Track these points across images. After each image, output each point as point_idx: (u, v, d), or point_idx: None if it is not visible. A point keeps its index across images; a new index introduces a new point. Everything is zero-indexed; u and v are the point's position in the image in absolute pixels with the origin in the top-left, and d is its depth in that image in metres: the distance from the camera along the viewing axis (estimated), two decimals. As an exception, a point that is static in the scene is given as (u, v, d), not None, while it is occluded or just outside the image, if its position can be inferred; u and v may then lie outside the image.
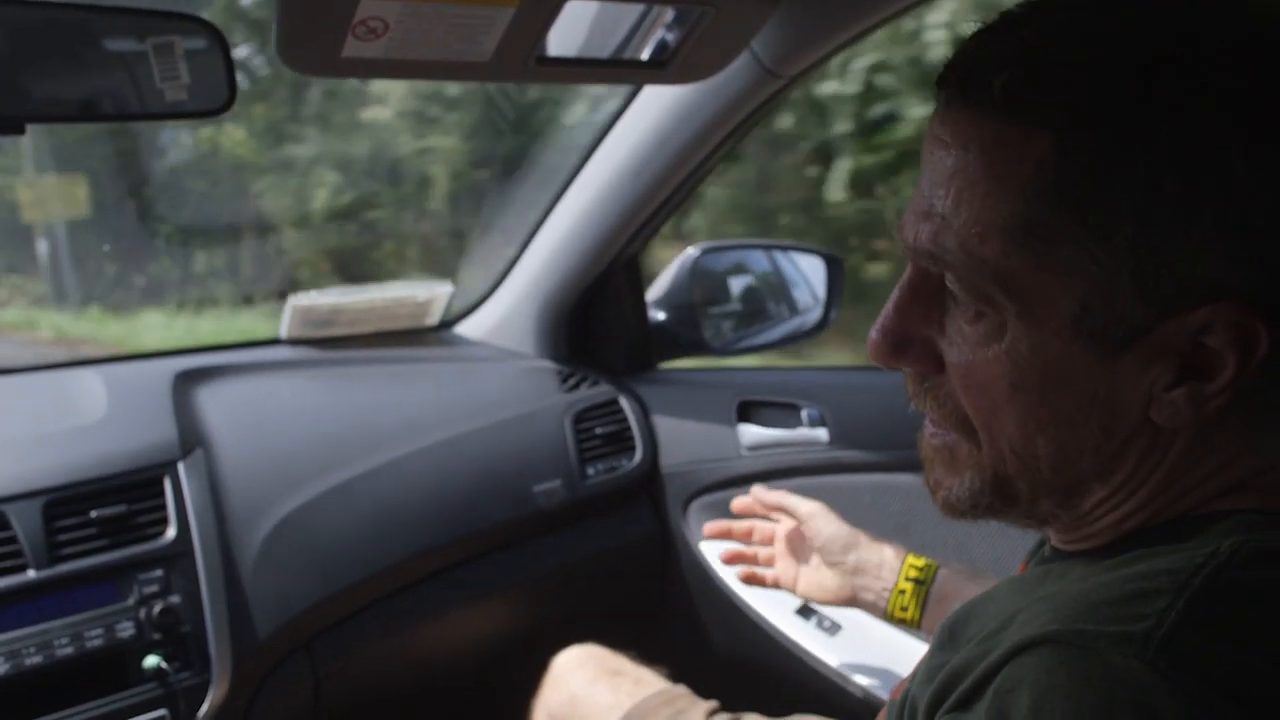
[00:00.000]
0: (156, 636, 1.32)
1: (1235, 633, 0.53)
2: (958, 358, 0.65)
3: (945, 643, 0.72)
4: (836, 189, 4.12)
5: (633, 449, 1.91)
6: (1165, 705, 0.50)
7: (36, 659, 1.24)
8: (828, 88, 4.00)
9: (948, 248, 0.62)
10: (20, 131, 0.89)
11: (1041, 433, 0.63)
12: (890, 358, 0.68)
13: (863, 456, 1.68)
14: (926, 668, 0.71)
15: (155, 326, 4.75)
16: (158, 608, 1.32)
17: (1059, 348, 0.60)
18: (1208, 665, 0.51)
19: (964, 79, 0.61)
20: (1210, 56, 0.55)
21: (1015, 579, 0.71)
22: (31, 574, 1.28)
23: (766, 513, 1.36)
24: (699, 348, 1.99)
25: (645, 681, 1.40)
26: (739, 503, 1.38)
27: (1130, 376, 0.60)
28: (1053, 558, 0.72)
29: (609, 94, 1.77)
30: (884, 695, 1.48)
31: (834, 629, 1.68)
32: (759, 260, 2.09)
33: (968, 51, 0.62)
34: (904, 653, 1.56)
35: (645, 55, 1.21)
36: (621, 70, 1.26)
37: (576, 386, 1.95)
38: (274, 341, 1.88)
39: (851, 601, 1.25)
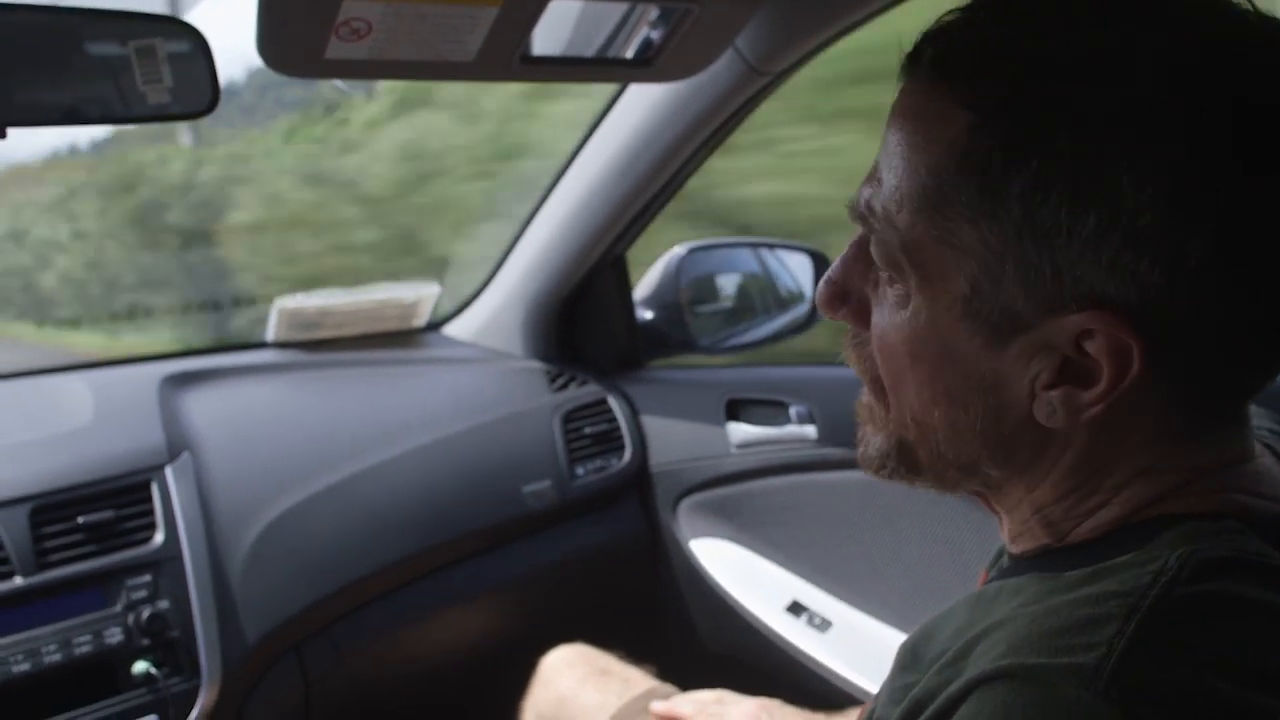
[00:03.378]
0: (145, 642, 1.32)
1: (1187, 653, 0.52)
2: (878, 319, 0.67)
3: (907, 664, 0.72)
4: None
5: (622, 448, 1.91)
6: None
7: (25, 666, 1.24)
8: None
9: (874, 211, 0.65)
10: (1, 136, 0.88)
11: (935, 405, 0.65)
12: (828, 307, 0.71)
13: (851, 453, 1.66)
14: (890, 689, 0.71)
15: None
16: (146, 613, 1.32)
17: (950, 325, 0.62)
18: (1160, 691, 0.51)
19: (913, 54, 0.63)
20: (1123, 69, 0.56)
21: (972, 596, 0.70)
22: (18, 581, 1.27)
23: None
24: (687, 346, 1.99)
25: (634, 681, 1.40)
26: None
27: (1014, 367, 0.61)
28: (1010, 569, 0.71)
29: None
30: (874, 692, 1.49)
31: (824, 626, 1.68)
32: (746, 258, 2.10)
33: (927, 32, 0.64)
34: (893, 648, 1.57)
35: (630, 54, 1.21)
36: (606, 69, 1.26)
37: (565, 386, 1.95)
38: (261, 344, 1.88)
39: None
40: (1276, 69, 0.56)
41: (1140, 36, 0.56)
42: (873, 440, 0.72)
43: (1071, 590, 0.59)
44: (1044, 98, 0.57)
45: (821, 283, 0.71)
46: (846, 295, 0.70)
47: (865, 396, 0.73)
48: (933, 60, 0.61)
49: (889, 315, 0.66)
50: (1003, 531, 0.72)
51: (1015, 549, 0.70)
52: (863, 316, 0.69)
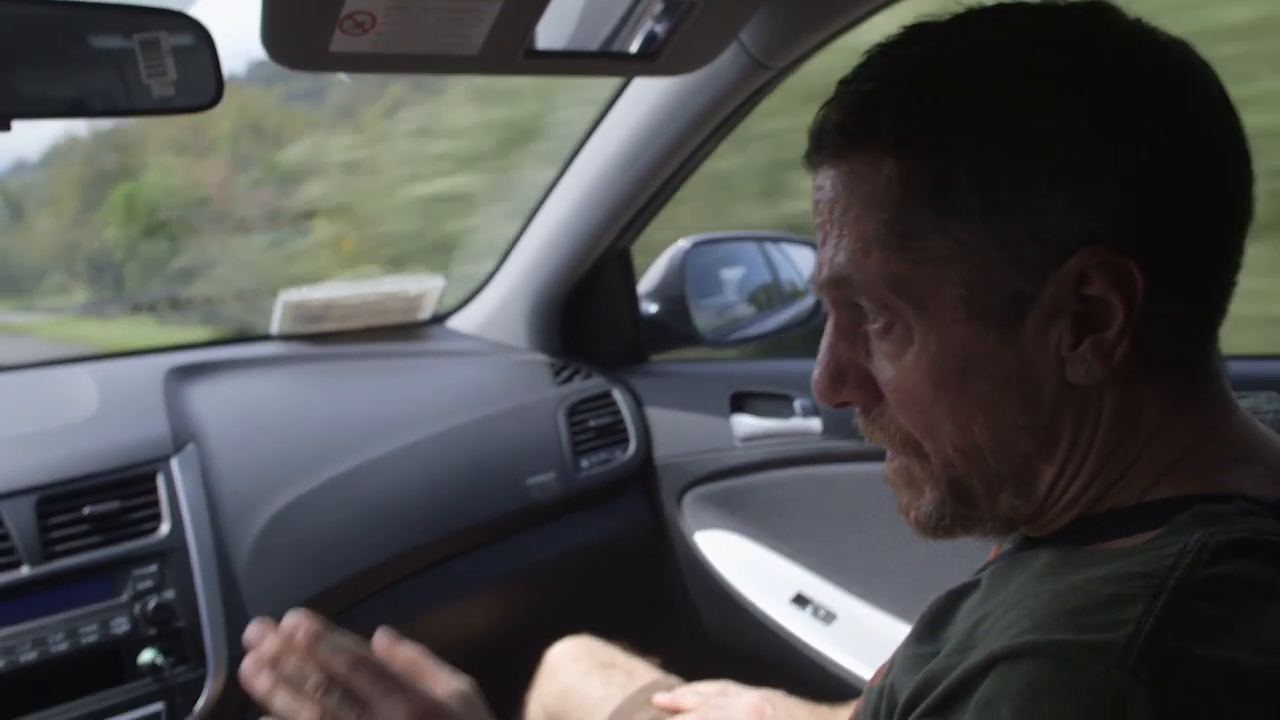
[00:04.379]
0: (151, 632, 1.32)
1: (1213, 632, 0.53)
2: (886, 376, 0.68)
3: (924, 635, 0.72)
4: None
5: (626, 441, 1.92)
6: (1147, 714, 0.50)
7: (31, 655, 1.25)
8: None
9: (843, 271, 0.67)
10: (6, 128, 0.89)
11: (974, 422, 0.66)
12: (832, 392, 0.72)
13: (856, 447, 1.68)
14: (904, 657, 0.72)
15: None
16: (152, 603, 1.33)
17: (960, 334, 0.64)
18: (1187, 668, 0.52)
19: (816, 138, 0.69)
20: (998, 60, 0.63)
21: (990, 572, 0.71)
22: (25, 570, 1.28)
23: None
24: (691, 339, 1.99)
25: (638, 673, 1.41)
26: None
27: (1034, 345, 0.64)
28: (1025, 543, 0.72)
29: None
30: (878, 684, 1.49)
31: (829, 618, 1.68)
32: (750, 252, 2.10)
33: (817, 119, 0.69)
34: (898, 641, 1.57)
35: (634, 47, 1.21)
36: (611, 63, 1.26)
37: (569, 379, 1.95)
38: (266, 337, 1.88)
39: None
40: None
41: (995, 40, 0.64)
42: (920, 502, 0.72)
43: (1091, 568, 0.60)
44: (948, 103, 0.63)
45: (816, 377, 0.72)
46: (844, 375, 0.71)
47: (893, 465, 0.73)
48: (839, 133, 0.67)
49: (895, 362, 0.67)
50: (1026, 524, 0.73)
51: (1035, 533, 0.71)
52: (868, 387, 0.70)
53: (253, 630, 0.88)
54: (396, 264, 4.70)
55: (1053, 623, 0.55)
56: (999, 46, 0.64)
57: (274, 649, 0.87)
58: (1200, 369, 0.66)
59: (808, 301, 2.02)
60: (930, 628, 0.72)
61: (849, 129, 0.66)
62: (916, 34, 0.67)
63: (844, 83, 0.68)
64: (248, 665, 0.87)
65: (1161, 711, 0.50)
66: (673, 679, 1.39)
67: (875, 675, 0.81)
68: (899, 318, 0.66)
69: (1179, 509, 0.61)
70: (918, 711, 0.60)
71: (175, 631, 1.34)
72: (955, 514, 0.70)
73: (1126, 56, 0.63)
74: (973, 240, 0.62)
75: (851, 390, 0.71)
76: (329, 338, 1.90)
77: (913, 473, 0.71)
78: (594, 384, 1.95)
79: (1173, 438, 0.65)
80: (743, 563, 1.82)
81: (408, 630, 1.62)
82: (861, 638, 1.64)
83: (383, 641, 0.90)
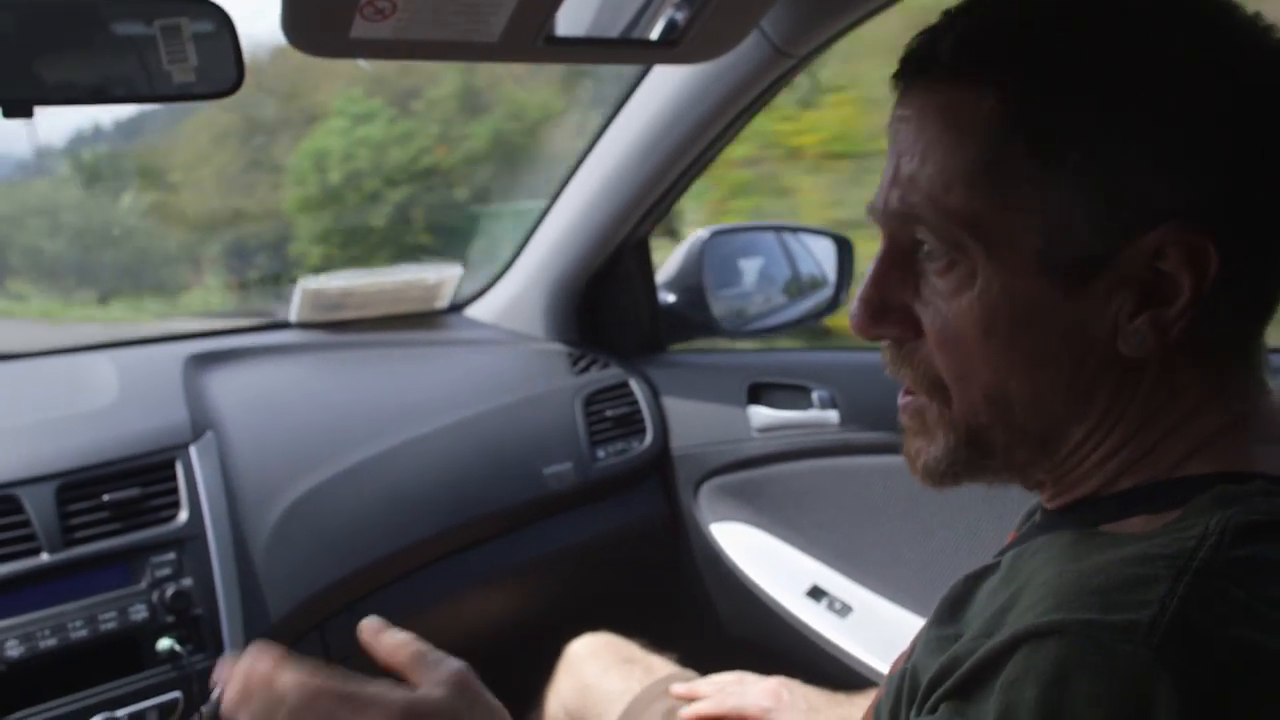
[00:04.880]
0: (170, 619, 1.33)
1: (1236, 613, 0.53)
2: (933, 315, 0.68)
3: (944, 617, 0.72)
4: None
5: (643, 431, 1.91)
6: (1173, 692, 0.50)
7: (51, 641, 1.25)
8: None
9: (916, 203, 0.66)
10: (29, 115, 0.88)
11: (1014, 376, 0.66)
12: (871, 325, 0.71)
13: (874, 438, 1.67)
14: (926, 639, 0.72)
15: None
16: (171, 591, 1.33)
17: (1026, 286, 0.64)
18: (1212, 648, 0.52)
19: (917, 62, 0.67)
20: (1132, 9, 0.62)
21: (1010, 556, 0.71)
22: (45, 557, 1.29)
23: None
24: (709, 330, 1.98)
25: (656, 669, 1.41)
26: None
27: (1095, 308, 0.63)
28: (1042, 524, 0.72)
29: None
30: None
31: (844, 610, 1.68)
32: (769, 241, 2.09)
33: (917, 42, 0.68)
34: (914, 633, 1.56)
35: (655, 35, 1.20)
36: (631, 50, 1.25)
37: (586, 369, 1.95)
38: (284, 325, 1.89)
39: None
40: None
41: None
42: (930, 448, 0.71)
43: (1113, 550, 0.60)
44: (1070, 52, 0.62)
45: (857, 306, 0.71)
46: (886, 310, 0.70)
47: (910, 405, 0.73)
48: (953, 51, 0.65)
49: (950, 302, 0.66)
50: (1044, 491, 0.73)
51: (1053, 504, 0.71)
52: (910, 324, 0.70)
53: (220, 668, 0.85)
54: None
55: (1077, 602, 0.55)
56: (1133, 5, 0.63)
57: (241, 686, 0.82)
58: (1246, 354, 0.67)
59: (826, 292, 2.01)
60: (951, 610, 0.72)
61: (959, 59, 0.65)
62: None
63: (958, 11, 0.66)
64: (228, 703, 0.83)
65: (1185, 690, 0.50)
66: (690, 673, 1.39)
67: (896, 661, 0.81)
68: (965, 258, 0.65)
69: (1199, 489, 0.61)
70: (940, 692, 0.60)
71: (193, 619, 1.34)
72: (968, 461, 0.70)
73: (1250, 42, 0.62)
74: (1063, 194, 0.62)
75: (892, 325, 0.70)
76: (347, 326, 1.90)
77: (927, 416, 0.71)
78: (611, 374, 1.95)
79: (1206, 420, 0.65)
80: (759, 554, 1.82)
81: (424, 619, 1.63)
82: (877, 631, 1.64)
83: (370, 629, 0.88)
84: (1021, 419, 0.67)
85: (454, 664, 0.84)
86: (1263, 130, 0.61)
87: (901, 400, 0.74)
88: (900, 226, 0.68)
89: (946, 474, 0.71)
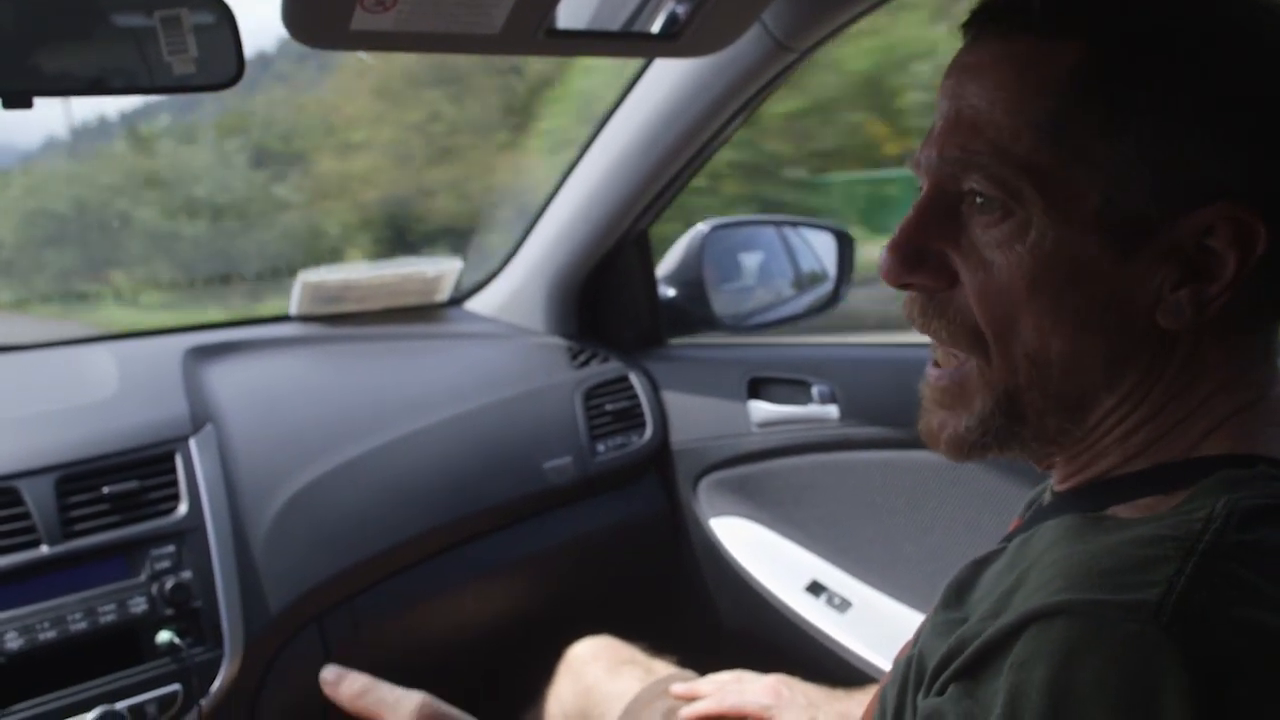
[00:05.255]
0: (169, 612, 1.33)
1: (1244, 594, 0.54)
2: (976, 266, 0.67)
3: (951, 602, 0.73)
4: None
5: (643, 425, 1.91)
6: (1181, 670, 0.50)
7: (50, 634, 1.25)
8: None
9: (978, 150, 0.66)
10: (28, 105, 0.88)
11: (1056, 333, 0.66)
12: (904, 272, 0.70)
13: (873, 433, 1.67)
14: (933, 624, 0.72)
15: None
16: (170, 583, 1.33)
17: (1079, 244, 0.64)
18: (1219, 628, 0.52)
19: (997, 10, 0.68)
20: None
21: (1016, 540, 0.71)
22: (44, 549, 1.29)
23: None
24: (709, 324, 1.98)
25: (657, 671, 1.41)
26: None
27: (1141, 276, 0.64)
28: (1050, 507, 0.73)
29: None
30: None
31: (844, 606, 1.68)
32: (769, 236, 2.09)
33: None
34: (914, 629, 1.57)
35: (656, 28, 1.20)
36: (632, 43, 1.25)
37: (586, 363, 1.94)
38: (284, 318, 1.88)
39: None
40: None
41: None
42: (960, 418, 0.71)
43: (1120, 532, 0.60)
44: (1154, 24, 0.63)
45: (888, 251, 0.70)
46: (922, 257, 0.70)
47: (944, 378, 0.72)
48: (1030, 10, 0.65)
49: (999, 252, 0.66)
50: (1056, 474, 0.73)
51: (1063, 485, 0.72)
52: (945, 274, 0.69)
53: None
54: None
55: (1086, 583, 0.56)
56: None
57: None
58: (1267, 341, 0.68)
59: (826, 286, 2.01)
60: (957, 594, 0.73)
61: (1048, 9, 0.65)
62: None
63: None
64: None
65: (1193, 669, 0.50)
66: (690, 673, 1.39)
67: (903, 649, 0.81)
68: (1021, 209, 0.65)
69: (1206, 471, 0.62)
70: (949, 673, 0.60)
71: (192, 612, 1.34)
72: (1000, 430, 0.70)
73: None
74: (1130, 157, 0.63)
75: (927, 273, 0.70)
76: (347, 319, 1.90)
77: (967, 383, 0.70)
78: (611, 368, 1.95)
79: (1223, 401, 0.66)
80: (758, 549, 1.82)
81: (423, 612, 1.63)
82: (876, 626, 1.64)
83: (328, 681, 0.88)
84: (1059, 382, 0.67)
85: (415, 698, 0.85)
86: None
87: (933, 376, 0.73)
88: (952, 175, 0.68)
89: (976, 445, 0.71)
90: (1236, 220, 0.62)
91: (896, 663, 0.79)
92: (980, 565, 0.73)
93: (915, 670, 0.70)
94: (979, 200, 0.67)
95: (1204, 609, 0.53)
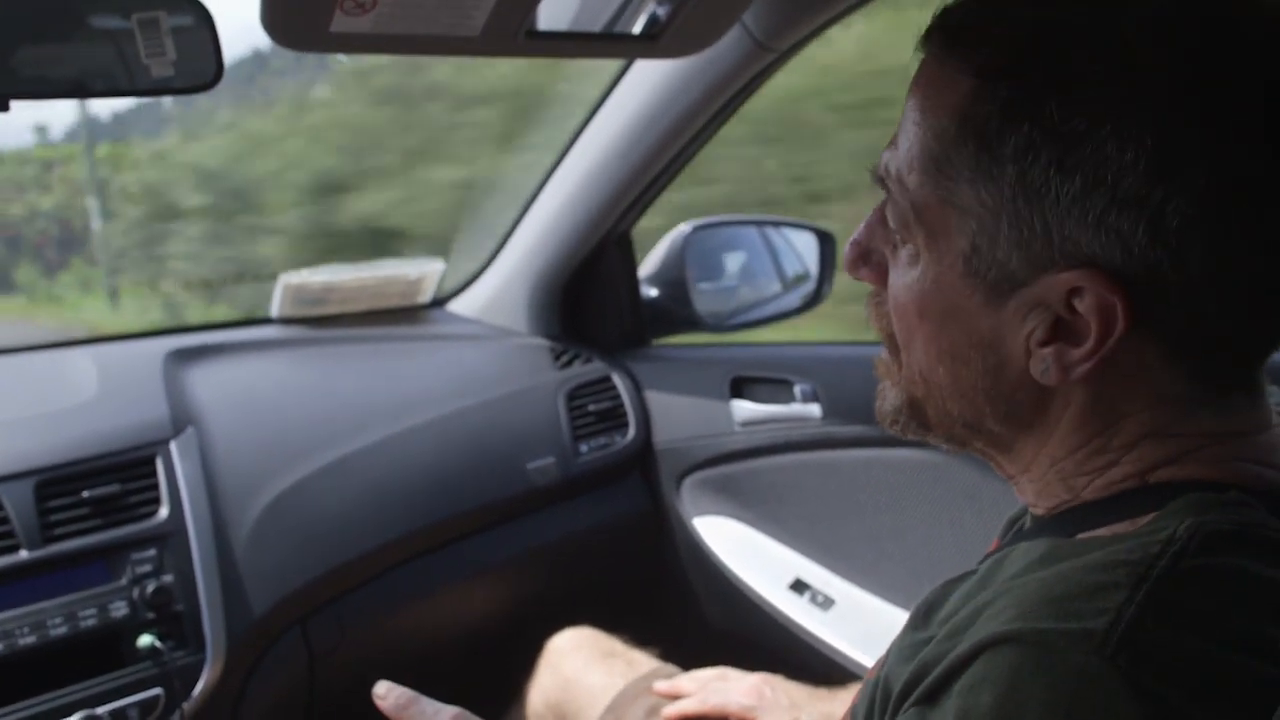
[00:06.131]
0: (150, 616, 1.32)
1: (1194, 623, 0.53)
2: (892, 279, 0.70)
3: (919, 623, 0.73)
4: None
5: (626, 426, 1.91)
6: (1125, 702, 0.50)
7: (30, 639, 1.24)
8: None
9: (890, 174, 0.67)
10: (5, 109, 0.88)
11: (940, 362, 0.68)
12: (851, 267, 0.74)
13: (855, 432, 1.68)
14: (899, 647, 0.72)
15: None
16: (151, 587, 1.32)
17: (953, 283, 0.65)
18: (1167, 659, 0.52)
19: (926, 32, 0.66)
20: (1117, 37, 0.58)
21: (989, 561, 0.71)
22: (24, 554, 1.28)
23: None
24: (692, 324, 1.98)
25: (638, 664, 1.41)
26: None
27: (1011, 324, 0.63)
28: (1027, 532, 0.72)
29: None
30: (877, 669, 1.49)
31: (826, 604, 1.69)
32: (751, 236, 2.09)
33: (938, 10, 0.66)
34: (896, 627, 1.57)
35: (637, 29, 1.20)
36: (613, 44, 1.25)
37: (569, 364, 1.94)
38: (265, 320, 1.88)
39: None
40: (1272, 45, 0.58)
41: (1138, 7, 0.58)
42: (889, 395, 0.74)
43: (1079, 556, 0.59)
44: (1040, 63, 0.59)
45: (848, 244, 0.73)
46: (869, 256, 0.72)
47: (883, 353, 0.75)
48: (943, 29, 0.64)
49: (902, 275, 0.68)
50: (1022, 494, 0.73)
51: (1038, 509, 0.72)
52: (881, 276, 0.72)
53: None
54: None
55: (1036, 611, 0.55)
56: (1117, 23, 0.58)
57: None
58: (1207, 385, 0.63)
59: (808, 286, 2.02)
60: (925, 615, 0.73)
61: (950, 37, 0.64)
62: None
63: None
64: None
65: (1138, 700, 0.50)
66: (672, 668, 1.39)
67: (873, 669, 0.81)
68: (912, 241, 0.67)
69: (1174, 494, 0.61)
70: (910, 700, 0.60)
71: (174, 615, 1.34)
72: (909, 424, 0.73)
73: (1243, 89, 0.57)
74: (993, 207, 0.61)
75: (868, 273, 0.73)
76: (329, 321, 1.90)
77: (889, 368, 0.74)
78: (594, 368, 1.95)
79: (1159, 443, 0.64)
80: (741, 548, 1.82)
81: (407, 614, 1.63)
82: (859, 623, 1.65)
83: (381, 691, 0.89)
84: (949, 404, 0.69)
85: (450, 712, 0.86)
86: (1224, 199, 0.56)
87: (880, 353, 0.77)
88: (884, 189, 0.69)
89: (895, 424, 0.74)
90: (1098, 292, 0.59)
91: (865, 684, 0.79)
92: (950, 586, 0.73)
93: (881, 694, 0.70)
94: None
95: (1151, 639, 0.52)
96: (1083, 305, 0.60)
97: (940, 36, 0.64)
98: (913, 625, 0.73)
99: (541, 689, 1.45)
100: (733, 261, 2.07)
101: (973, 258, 0.63)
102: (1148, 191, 0.56)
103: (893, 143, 0.68)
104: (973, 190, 0.62)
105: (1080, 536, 0.64)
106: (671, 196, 1.86)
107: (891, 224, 0.68)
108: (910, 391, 0.71)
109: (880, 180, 0.69)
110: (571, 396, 1.88)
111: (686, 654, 1.44)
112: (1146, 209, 0.57)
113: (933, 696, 0.58)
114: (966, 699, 0.54)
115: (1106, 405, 0.64)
